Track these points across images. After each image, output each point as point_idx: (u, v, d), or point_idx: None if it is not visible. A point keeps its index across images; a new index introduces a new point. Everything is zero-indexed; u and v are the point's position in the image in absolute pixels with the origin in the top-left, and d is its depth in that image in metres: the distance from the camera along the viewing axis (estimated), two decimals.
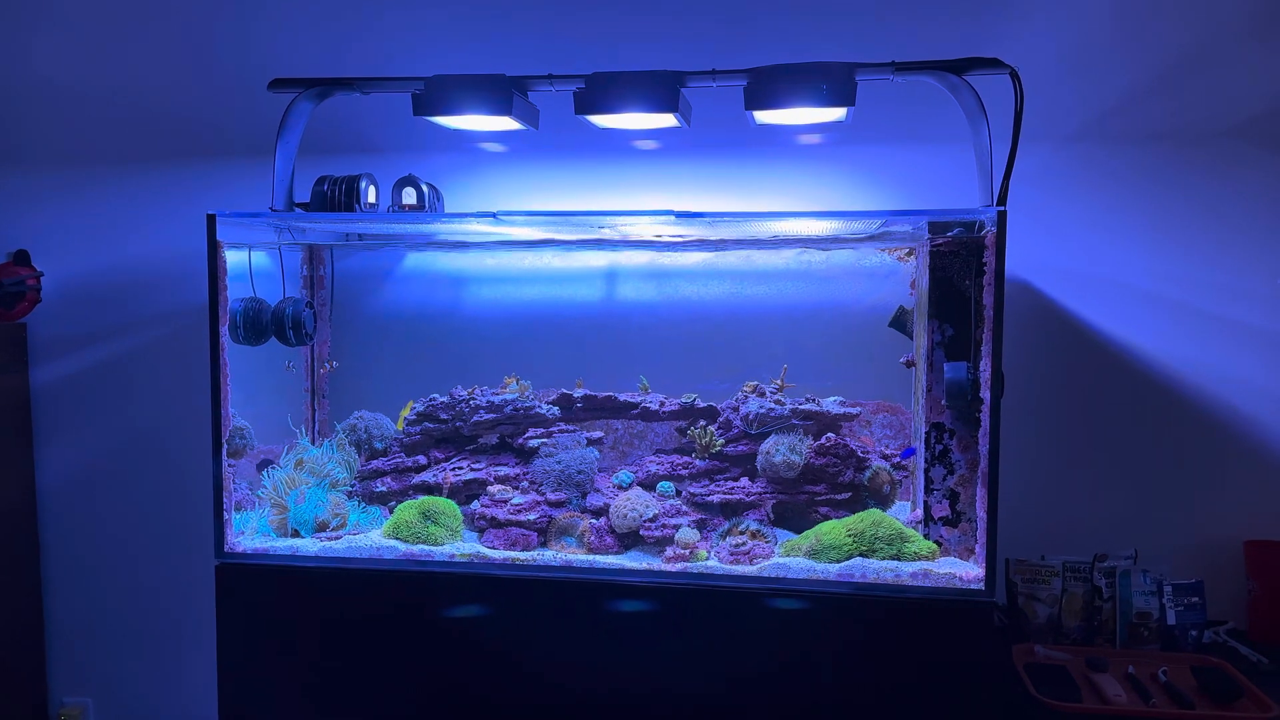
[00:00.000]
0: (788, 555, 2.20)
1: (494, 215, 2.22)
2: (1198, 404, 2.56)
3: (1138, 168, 2.54)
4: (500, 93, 2.21)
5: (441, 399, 2.60)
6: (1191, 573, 2.45)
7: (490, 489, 2.41)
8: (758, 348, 2.65)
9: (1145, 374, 2.57)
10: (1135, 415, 2.58)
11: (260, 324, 2.45)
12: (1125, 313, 2.57)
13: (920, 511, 2.27)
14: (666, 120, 2.26)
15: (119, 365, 3.00)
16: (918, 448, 2.33)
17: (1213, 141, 2.50)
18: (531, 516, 2.31)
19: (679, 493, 2.39)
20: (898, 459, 2.42)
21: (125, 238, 2.97)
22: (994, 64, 2.05)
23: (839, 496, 2.34)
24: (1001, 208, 1.98)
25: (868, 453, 2.41)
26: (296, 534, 2.36)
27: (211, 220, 2.22)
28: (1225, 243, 2.52)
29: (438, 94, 2.24)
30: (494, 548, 2.28)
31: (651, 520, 2.26)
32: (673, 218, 2.15)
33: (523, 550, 2.27)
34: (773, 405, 2.41)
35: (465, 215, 2.37)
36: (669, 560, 2.18)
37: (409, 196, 2.45)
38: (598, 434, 2.59)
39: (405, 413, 2.62)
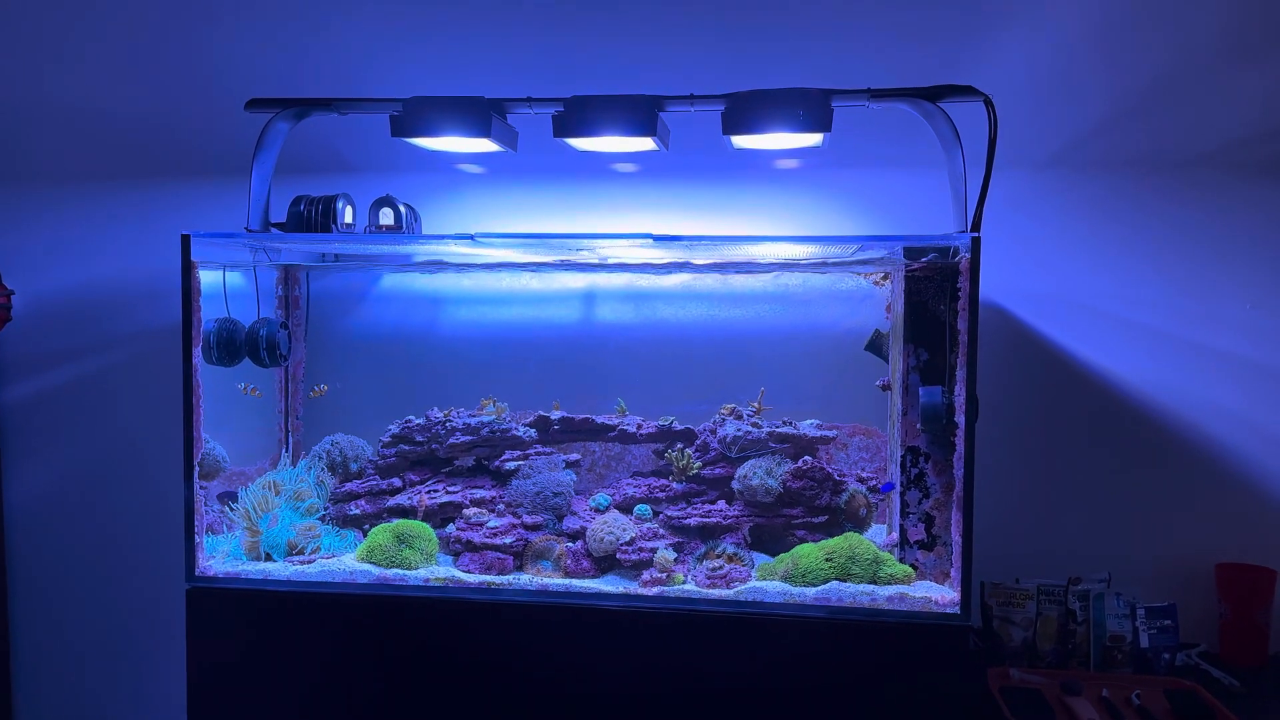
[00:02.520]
0: (764, 579, 2.20)
1: (472, 237, 2.21)
2: (1171, 427, 2.58)
3: (1112, 193, 2.57)
4: (479, 115, 2.22)
5: (417, 421, 2.58)
6: (1164, 596, 2.47)
7: (466, 512, 2.39)
8: (735, 370, 2.66)
9: (1118, 398, 2.60)
10: (1108, 439, 2.61)
11: (234, 345, 2.43)
12: (1099, 337, 2.59)
13: (896, 535, 2.27)
14: (645, 144, 2.27)
15: (90, 385, 2.97)
16: (893, 472, 2.34)
17: (1187, 167, 2.54)
18: (507, 540, 2.30)
19: (657, 514, 2.38)
20: (877, 487, 2.42)
21: (98, 256, 2.94)
22: (968, 91, 2.08)
23: (816, 520, 2.34)
24: (975, 234, 2.00)
25: (844, 476, 2.41)
26: (269, 557, 2.34)
27: (186, 240, 2.20)
28: (1199, 268, 2.56)
29: (416, 115, 2.24)
30: (469, 571, 2.26)
31: (629, 544, 2.25)
32: (651, 241, 2.16)
33: (498, 574, 2.26)
34: (750, 428, 2.42)
35: (443, 237, 2.37)
36: (646, 584, 2.18)
37: (386, 217, 2.44)
38: (575, 456, 2.58)
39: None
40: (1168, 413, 2.58)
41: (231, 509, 2.42)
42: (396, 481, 2.54)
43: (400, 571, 2.24)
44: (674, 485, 2.44)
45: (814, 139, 2.22)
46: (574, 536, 2.33)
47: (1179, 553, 2.59)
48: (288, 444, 2.76)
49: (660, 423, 2.56)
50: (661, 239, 2.15)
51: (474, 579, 2.23)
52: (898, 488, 2.27)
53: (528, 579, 2.24)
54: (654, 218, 2.70)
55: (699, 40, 2.61)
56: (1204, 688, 2.23)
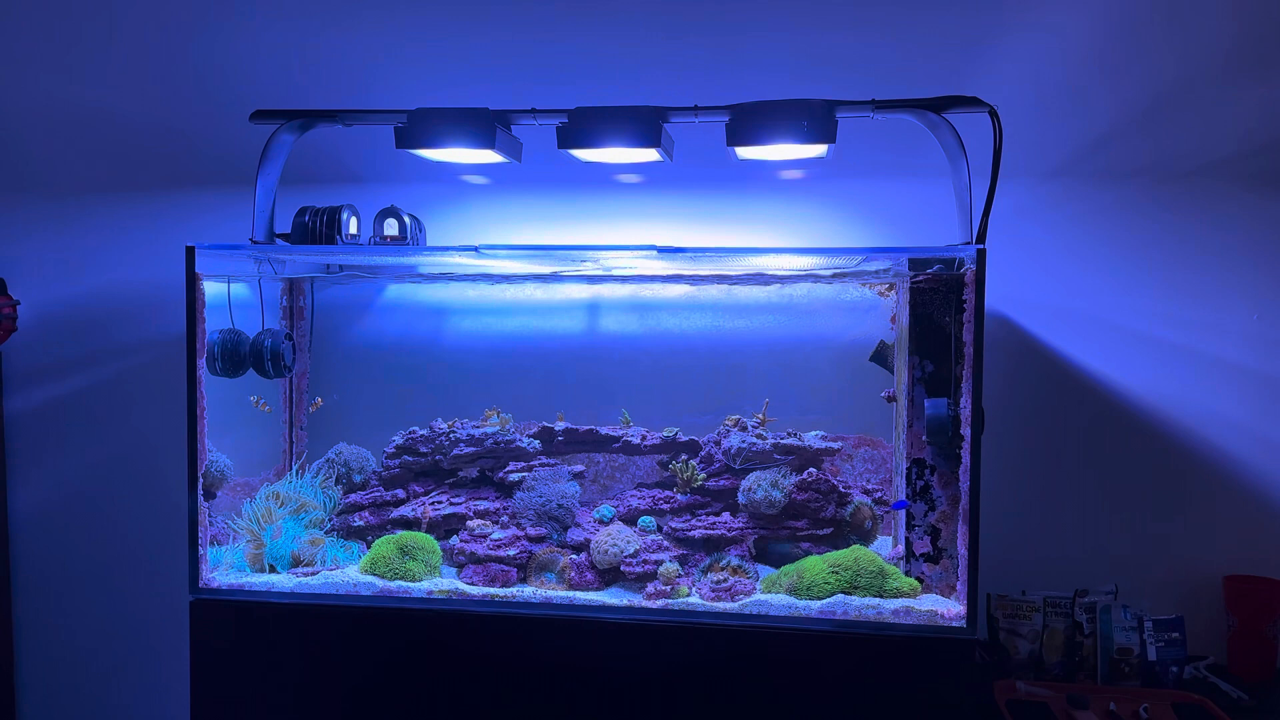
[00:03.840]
0: (769, 591, 2.19)
1: (476, 249, 2.21)
2: (1178, 439, 2.57)
3: (1118, 204, 2.57)
4: (483, 126, 2.22)
5: (421, 432, 2.58)
6: (1172, 608, 2.45)
7: (470, 524, 2.39)
8: (740, 381, 2.65)
9: (1125, 409, 2.58)
10: (1115, 451, 2.59)
11: (239, 356, 2.42)
12: (1105, 349, 2.58)
13: (902, 548, 2.26)
14: (649, 155, 2.27)
15: (95, 395, 2.97)
16: (898, 484, 2.33)
17: (1192, 177, 2.53)
18: (511, 552, 2.29)
19: (660, 528, 2.38)
20: (888, 502, 2.41)
21: (103, 267, 2.94)
22: (973, 102, 2.07)
23: (821, 532, 2.33)
24: (981, 245, 1.99)
25: (849, 488, 2.40)
26: (273, 569, 2.33)
27: (191, 252, 2.20)
28: (1205, 278, 2.55)
29: (420, 127, 2.24)
30: (473, 584, 2.26)
31: (633, 556, 2.24)
32: (655, 253, 2.16)
33: (502, 586, 2.25)
34: (754, 439, 2.41)
35: (447, 249, 2.37)
36: (650, 597, 2.17)
37: (391, 228, 2.44)
38: (579, 468, 2.57)
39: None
40: (1174, 424, 2.57)
41: (246, 505, 2.42)
42: (400, 493, 2.53)
43: (404, 583, 2.24)
44: (678, 497, 2.43)
45: (818, 150, 2.22)
46: (578, 548, 2.33)
47: (1187, 565, 2.57)
48: (292, 455, 2.76)
49: (664, 434, 2.56)
50: (666, 251, 2.15)
51: (477, 591, 2.22)
52: (902, 489, 2.26)
53: (531, 591, 2.23)
54: (658, 228, 2.70)
55: (703, 50, 2.62)
56: (1212, 701, 2.21)
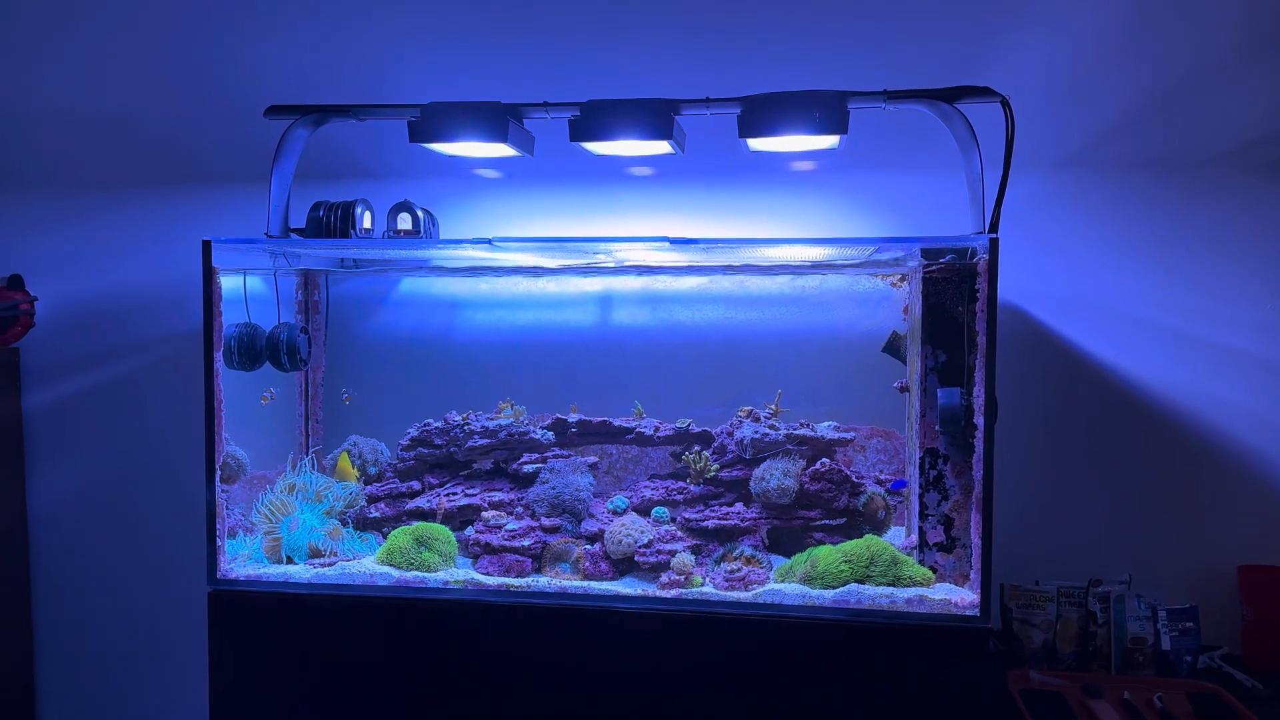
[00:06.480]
0: (783, 581, 2.20)
1: (489, 241, 2.23)
2: (1191, 429, 2.57)
3: (1131, 194, 2.56)
4: (496, 120, 2.23)
5: (436, 424, 2.59)
6: (1186, 598, 2.45)
7: (484, 515, 2.40)
8: (752, 372, 2.66)
9: (1138, 399, 2.58)
10: (1129, 441, 2.59)
11: (255, 350, 2.45)
12: (1119, 338, 2.58)
13: (915, 537, 2.27)
14: (661, 147, 2.28)
15: (112, 390, 3.00)
16: (911, 474, 2.33)
17: (1206, 167, 2.52)
18: (526, 542, 2.31)
19: (674, 519, 2.39)
20: (890, 486, 2.42)
21: (119, 262, 2.97)
22: (985, 92, 2.07)
23: (834, 522, 2.34)
24: (993, 235, 1.99)
25: (862, 478, 2.41)
26: (290, 560, 2.35)
27: (207, 246, 2.22)
28: (1218, 268, 2.54)
29: (433, 121, 2.26)
30: (488, 574, 2.27)
31: (646, 546, 2.25)
32: (668, 244, 2.17)
33: (517, 577, 2.26)
34: (767, 430, 2.42)
35: (460, 241, 2.38)
36: (664, 586, 2.18)
37: (404, 222, 2.45)
38: (592, 459, 2.59)
39: (346, 468, 2.59)
40: (1187, 414, 2.56)
41: (259, 500, 2.44)
42: (416, 484, 2.55)
43: (420, 574, 2.25)
44: (692, 488, 2.44)
45: (830, 141, 2.22)
46: (592, 539, 2.34)
47: (1200, 554, 2.57)
48: (308, 448, 2.78)
49: (677, 425, 2.57)
50: (678, 242, 2.16)
51: (492, 581, 2.24)
52: (913, 486, 2.26)
53: (546, 581, 2.25)
54: (670, 221, 2.70)
55: (714, 42, 2.62)
56: (1226, 690, 2.21)
